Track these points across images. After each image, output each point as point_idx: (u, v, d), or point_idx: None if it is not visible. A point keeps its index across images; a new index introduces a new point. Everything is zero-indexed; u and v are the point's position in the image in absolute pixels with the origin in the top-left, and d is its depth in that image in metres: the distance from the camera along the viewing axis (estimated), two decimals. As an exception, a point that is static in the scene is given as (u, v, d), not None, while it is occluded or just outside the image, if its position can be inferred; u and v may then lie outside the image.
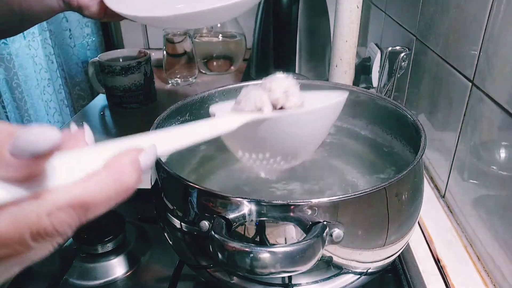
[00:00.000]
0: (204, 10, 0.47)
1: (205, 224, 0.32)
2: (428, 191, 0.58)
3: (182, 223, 0.35)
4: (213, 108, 0.38)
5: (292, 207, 0.30)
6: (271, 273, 0.27)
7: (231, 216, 0.31)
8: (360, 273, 0.36)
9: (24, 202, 0.18)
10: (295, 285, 0.34)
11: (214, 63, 1.06)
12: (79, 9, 0.55)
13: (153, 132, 0.24)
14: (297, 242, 0.28)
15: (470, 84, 0.48)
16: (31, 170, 0.18)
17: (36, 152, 0.17)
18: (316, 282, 0.35)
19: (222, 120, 0.32)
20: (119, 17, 0.55)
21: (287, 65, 0.83)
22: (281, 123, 0.33)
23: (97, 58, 0.85)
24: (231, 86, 0.52)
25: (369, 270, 0.36)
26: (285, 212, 0.30)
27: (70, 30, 1.18)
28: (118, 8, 0.51)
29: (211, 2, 0.47)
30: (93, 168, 0.20)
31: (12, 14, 0.55)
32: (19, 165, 0.17)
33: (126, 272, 0.47)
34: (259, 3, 0.88)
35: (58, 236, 0.19)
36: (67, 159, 0.20)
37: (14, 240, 0.17)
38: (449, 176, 0.55)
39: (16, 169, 0.17)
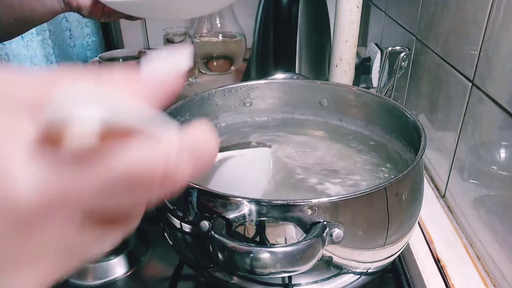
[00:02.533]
0: None
1: (205, 224, 0.32)
2: (428, 191, 0.58)
3: (182, 223, 0.35)
4: None
5: (292, 207, 0.30)
6: (271, 273, 0.27)
7: (231, 216, 0.30)
8: (360, 273, 0.36)
9: (154, 134, 0.15)
10: (295, 285, 0.34)
11: (214, 63, 1.06)
12: (79, 10, 0.55)
13: None
14: (297, 242, 0.28)
15: (470, 84, 0.48)
16: (155, 101, 0.16)
17: (177, 69, 0.16)
18: (316, 282, 0.35)
19: None
20: (117, 17, 0.56)
21: (287, 65, 0.83)
22: (241, 160, 0.38)
23: (97, 58, 0.85)
24: (231, 86, 0.52)
25: (369, 270, 0.36)
26: (285, 212, 0.30)
27: (70, 30, 1.18)
28: None
29: None
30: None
31: (13, 17, 0.55)
32: (148, 92, 0.16)
33: (126, 272, 0.47)
34: (259, 3, 0.87)
35: (176, 184, 0.16)
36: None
37: (143, 178, 0.15)
38: (449, 176, 0.55)
39: (147, 95, 0.16)
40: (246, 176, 0.40)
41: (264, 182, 0.43)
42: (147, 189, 0.15)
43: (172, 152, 0.15)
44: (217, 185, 0.39)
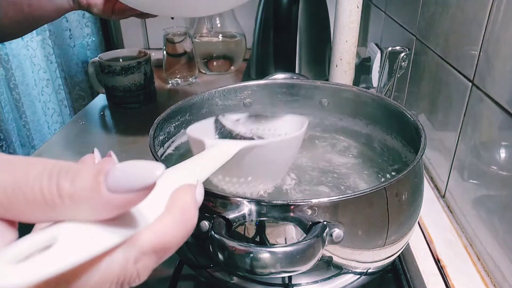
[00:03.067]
0: None
1: (205, 224, 0.32)
2: (428, 191, 0.58)
3: (182, 223, 0.35)
4: (192, 132, 0.40)
5: (292, 207, 0.30)
6: (271, 273, 0.27)
7: (231, 216, 0.31)
8: (360, 273, 0.36)
9: (115, 249, 0.16)
10: (295, 285, 0.34)
11: (214, 63, 1.06)
12: (88, 7, 0.54)
13: (183, 164, 0.25)
14: (297, 242, 0.28)
15: (470, 84, 0.48)
16: (122, 211, 0.16)
17: (139, 186, 0.15)
18: (316, 282, 0.35)
19: (224, 147, 0.33)
20: (127, 14, 0.55)
21: (287, 65, 0.83)
22: (266, 149, 0.37)
23: (97, 58, 0.85)
24: (231, 86, 0.52)
25: (369, 270, 0.36)
26: (285, 212, 0.30)
27: (70, 30, 1.18)
28: None
29: None
30: (160, 206, 0.19)
31: (22, 15, 0.54)
32: (114, 205, 0.15)
33: (126, 272, 0.47)
34: (259, 3, 0.88)
35: (136, 283, 0.17)
36: None
37: None
38: (449, 176, 0.55)
39: (110, 209, 0.15)
40: (273, 163, 0.39)
41: (288, 165, 0.42)
42: None
43: (129, 262, 0.16)
44: (240, 172, 0.38)
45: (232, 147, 0.33)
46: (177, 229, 0.18)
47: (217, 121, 0.47)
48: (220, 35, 1.06)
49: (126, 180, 0.15)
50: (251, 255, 0.27)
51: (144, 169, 0.15)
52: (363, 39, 1.08)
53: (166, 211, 0.18)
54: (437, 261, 0.46)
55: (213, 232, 0.29)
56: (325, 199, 0.31)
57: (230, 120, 0.47)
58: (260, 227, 0.32)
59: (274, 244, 0.32)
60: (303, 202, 0.30)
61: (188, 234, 0.19)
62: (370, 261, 0.35)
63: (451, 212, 0.54)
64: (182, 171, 0.24)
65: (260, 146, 0.36)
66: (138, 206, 0.17)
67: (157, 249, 0.17)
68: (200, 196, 0.20)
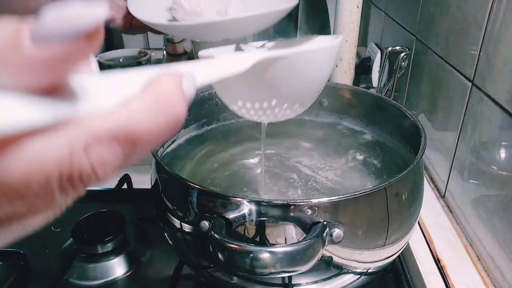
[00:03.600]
0: (233, 19, 0.46)
1: (205, 224, 0.32)
2: (428, 191, 0.58)
3: (182, 223, 0.35)
4: (204, 53, 0.34)
5: (292, 207, 0.30)
6: (271, 273, 0.27)
7: (231, 216, 0.31)
8: (360, 273, 0.36)
9: (51, 130, 0.12)
10: (295, 285, 0.34)
11: (214, 63, 1.06)
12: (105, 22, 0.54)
13: (175, 63, 0.18)
14: (297, 242, 0.28)
15: (470, 84, 0.48)
16: (56, 76, 0.12)
17: (74, 31, 0.11)
18: (316, 282, 0.35)
19: (236, 56, 0.25)
20: (144, 30, 0.55)
21: (287, 65, 0.83)
22: (292, 62, 0.30)
23: (97, 58, 0.85)
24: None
25: (369, 270, 0.36)
26: (285, 212, 0.30)
27: (70, 30, 1.18)
28: (143, 17, 0.49)
29: (245, 10, 0.45)
30: (129, 94, 0.14)
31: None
32: (41, 64, 0.11)
33: (126, 272, 0.47)
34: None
35: (94, 181, 0.13)
36: (97, 79, 0.14)
37: (35, 188, 0.12)
38: (449, 176, 0.55)
39: (37, 71, 0.12)
40: (300, 81, 0.32)
41: (321, 86, 0.34)
42: (44, 195, 0.13)
43: (75, 151, 0.12)
44: (262, 94, 0.32)
45: (247, 58, 0.24)
46: (150, 115, 0.14)
47: (238, 48, 0.41)
48: (220, 35, 1.06)
49: (55, 26, 0.11)
50: (251, 255, 0.27)
51: (80, 9, 0.11)
52: (363, 39, 1.08)
53: (139, 94, 0.14)
54: (437, 261, 0.46)
55: (213, 232, 0.29)
56: (325, 199, 0.31)
57: (254, 46, 0.41)
58: (260, 227, 0.32)
59: (274, 244, 0.32)
60: (303, 202, 0.30)
61: (170, 126, 0.14)
62: (370, 261, 0.35)
63: (451, 212, 0.54)
64: (169, 67, 0.17)
65: (284, 58, 0.29)
66: (96, 88, 0.13)
67: (119, 136, 0.13)
68: (189, 87, 0.15)
